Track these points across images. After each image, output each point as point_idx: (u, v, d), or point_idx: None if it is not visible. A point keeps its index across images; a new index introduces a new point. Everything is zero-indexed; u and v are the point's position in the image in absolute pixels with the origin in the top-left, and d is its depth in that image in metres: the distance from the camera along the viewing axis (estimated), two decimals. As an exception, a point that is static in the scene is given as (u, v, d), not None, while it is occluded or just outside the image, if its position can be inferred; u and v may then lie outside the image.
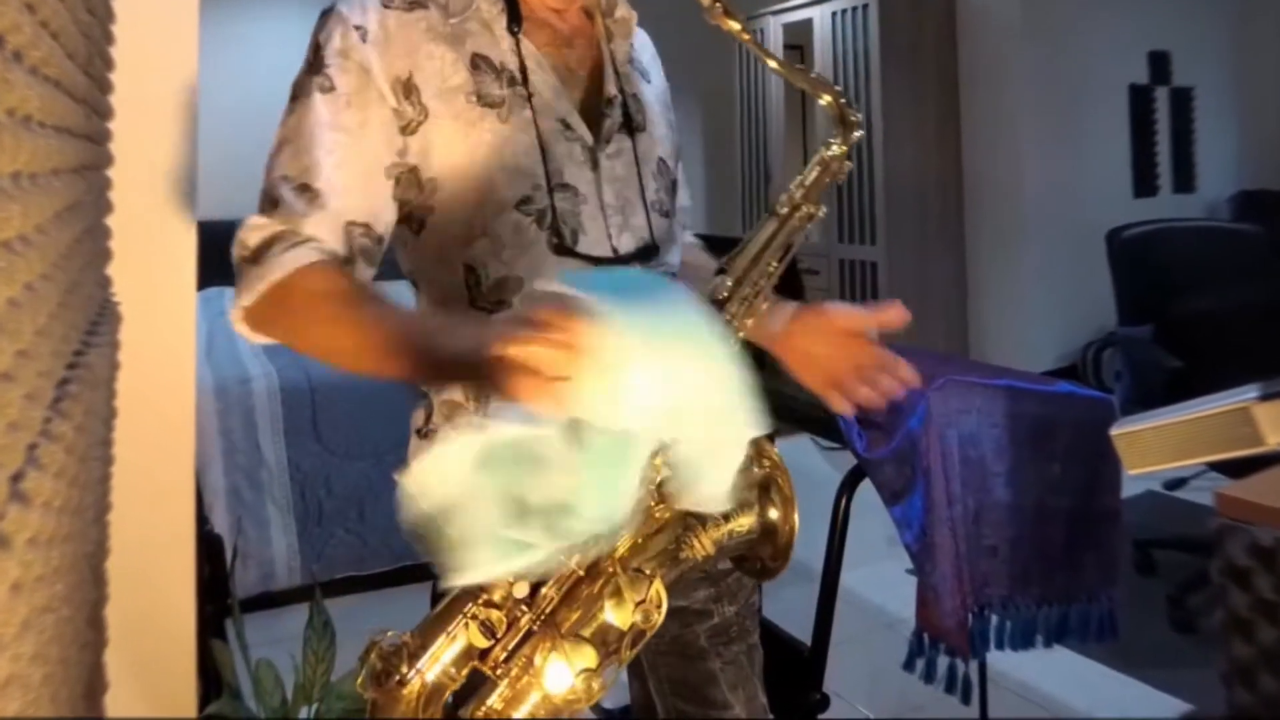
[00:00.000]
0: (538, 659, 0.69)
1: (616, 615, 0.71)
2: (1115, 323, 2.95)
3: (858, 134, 0.92)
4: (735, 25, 0.89)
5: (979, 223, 4.59)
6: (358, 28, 0.89)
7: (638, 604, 0.72)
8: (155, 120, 1.09)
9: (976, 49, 4.53)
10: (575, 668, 0.69)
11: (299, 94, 0.89)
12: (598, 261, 0.93)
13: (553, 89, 0.94)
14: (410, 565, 2.54)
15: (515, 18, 0.94)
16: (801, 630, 1.53)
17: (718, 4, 0.88)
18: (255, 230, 0.85)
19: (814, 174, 0.92)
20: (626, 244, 0.97)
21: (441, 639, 0.70)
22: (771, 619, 1.43)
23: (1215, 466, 2.04)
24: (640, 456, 0.63)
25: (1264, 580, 1.18)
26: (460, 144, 0.90)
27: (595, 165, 0.96)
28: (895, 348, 0.96)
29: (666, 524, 0.77)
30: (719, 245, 1.05)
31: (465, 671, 0.71)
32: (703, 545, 0.79)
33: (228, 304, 0.94)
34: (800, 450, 3.56)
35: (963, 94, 4.60)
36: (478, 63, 0.92)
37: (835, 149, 0.92)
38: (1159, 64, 4.80)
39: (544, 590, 0.72)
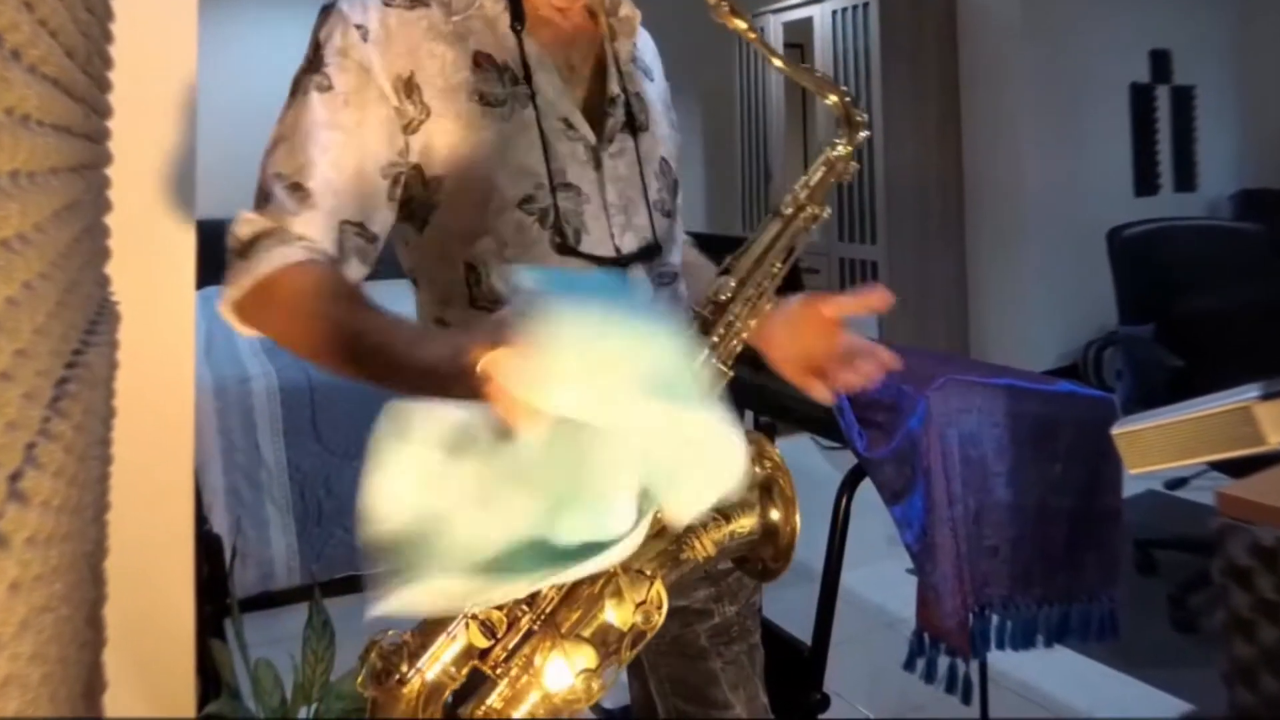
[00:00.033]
0: (538, 659, 0.69)
1: (617, 615, 0.71)
2: (1116, 322, 2.95)
3: (863, 134, 0.89)
4: (742, 24, 0.87)
5: (980, 222, 4.59)
6: (358, 26, 0.88)
7: (638, 604, 0.72)
8: (154, 119, 1.09)
9: (977, 48, 4.53)
10: (575, 668, 0.68)
11: (297, 91, 0.89)
12: (600, 261, 0.93)
13: (556, 88, 0.94)
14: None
15: (518, 16, 0.93)
16: (802, 630, 1.53)
17: (724, 3, 0.86)
18: (246, 224, 0.85)
19: (819, 174, 0.90)
20: (629, 243, 0.96)
21: (442, 638, 0.70)
22: (772, 619, 1.43)
23: (1216, 466, 2.05)
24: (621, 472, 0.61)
25: (1265, 580, 1.18)
26: (462, 143, 0.89)
27: (598, 164, 0.95)
28: (896, 348, 0.95)
29: (667, 525, 0.77)
30: (719, 245, 1.04)
31: (465, 671, 0.71)
32: (704, 546, 0.79)
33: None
34: (800, 450, 3.56)
35: (963, 93, 4.60)
36: (480, 61, 0.91)
37: (840, 149, 0.90)
38: (1160, 62, 4.80)
39: (544, 590, 0.72)
